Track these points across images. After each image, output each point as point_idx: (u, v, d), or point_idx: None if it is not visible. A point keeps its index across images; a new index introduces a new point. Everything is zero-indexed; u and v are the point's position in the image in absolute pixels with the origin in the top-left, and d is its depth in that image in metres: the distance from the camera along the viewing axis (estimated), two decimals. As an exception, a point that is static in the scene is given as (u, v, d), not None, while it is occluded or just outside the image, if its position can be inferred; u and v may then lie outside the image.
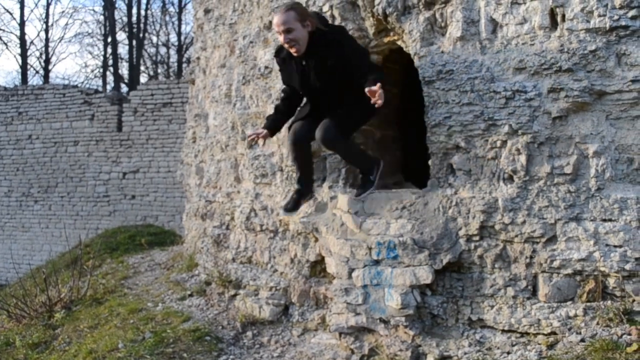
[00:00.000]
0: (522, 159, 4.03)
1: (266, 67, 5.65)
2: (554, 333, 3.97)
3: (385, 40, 4.94)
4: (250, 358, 4.95)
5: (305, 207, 5.21)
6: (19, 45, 29.28)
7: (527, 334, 4.07)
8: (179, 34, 30.94)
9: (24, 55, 28.91)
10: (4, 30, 33.16)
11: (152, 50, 32.02)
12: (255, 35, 5.88)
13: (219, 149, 6.64)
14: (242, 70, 6.06)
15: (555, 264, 3.97)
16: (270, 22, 5.64)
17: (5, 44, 35.19)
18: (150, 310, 6.13)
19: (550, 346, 3.90)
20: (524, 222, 4.04)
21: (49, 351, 5.80)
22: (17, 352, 5.91)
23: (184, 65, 28.64)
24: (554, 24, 3.97)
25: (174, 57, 32.09)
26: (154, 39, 31.96)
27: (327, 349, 4.83)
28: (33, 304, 6.95)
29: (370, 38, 5.02)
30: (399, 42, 4.84)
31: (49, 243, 14.54)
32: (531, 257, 4.06)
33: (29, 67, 29.55)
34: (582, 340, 3.78)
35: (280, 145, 5.45)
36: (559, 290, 4.01)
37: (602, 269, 3.85)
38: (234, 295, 5.90)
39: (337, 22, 5.04)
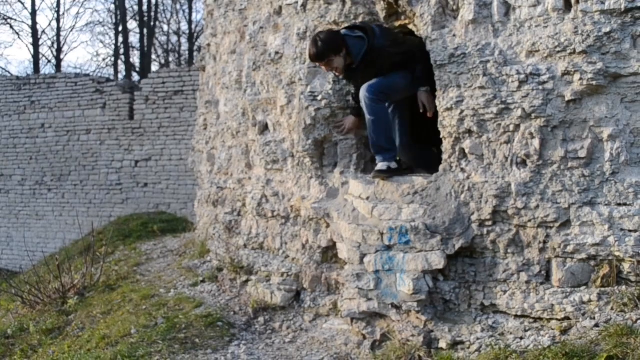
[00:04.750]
0: (536, 143, 3.99)
1: (277, 53, 5.62)
2: (567, 318, 3.94)
3: (396, 24, 4.90)
4: (262, 343, 4.96)
5: (317, 193, 5.20)
6: (30, 35, 29.28)
7: (541, 319, 4.04)
8: (189, 22, 30.87)
9: (35, 44, 28.94)
10: (15, 20, 33.23)
11: (163, 38, 32.03)
12: (266, 20, 5.85)
13: (230, 135, 6.63)
14: (253, 56, 6.03)
15: (569, 248, 3.94)
16: (280, 8, 5.62)
17: (17, 33, 35.18)
18: (162, 296, 6.15)
19: (564, 331, 3.87)
20: (537, 207, 4.00)
21: (62, 337, 5.84)
22: (31, 337, 5.96)
23: (195, 53, 28.59)
24: (567, 6, 3.90)
25: (185, 46, 32.06)
26: (165, 27, 31.95)
27: (339, 335, 4.83)
28: (47, 291, 7.00)
29: (381, 22, 4.97)
30: (410, 26, 4.79)
31: (63, 231, 14.62)
32: (545, 242, 4.03)
33: (41, 56, 29.58)
34: (596, 325, 3.75)
35: (291, 131, 5.43)
36: (572, 275, 3.98)
37: (616, 253, 3.82)
38: (246, 281, 5.91)
39: (347, 7, 5.00)
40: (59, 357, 5.19)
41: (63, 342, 5.63)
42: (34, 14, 28.96)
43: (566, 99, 3.90)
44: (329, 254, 5.22)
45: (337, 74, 4.95)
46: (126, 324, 5.40)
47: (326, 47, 4.69)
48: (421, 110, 4.84)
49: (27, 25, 30.03)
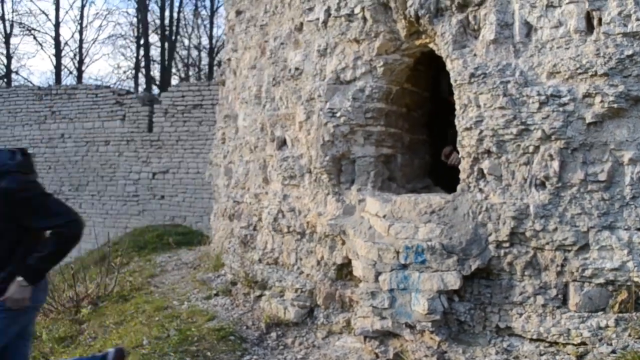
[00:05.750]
0: (555, 164, 3.96)
1: (296, 69, 5.65)
2: (584, 343, 3.88)
3: (417, 42, 4.90)
4: (274, 359, 4.93)
5: (333, 210, 5.19)
6: (53, 46, 29.74)
7: (556, 343, 3.98)
8: (210, 37, 31.15)
9: (58, 55, 29.35)
10: (39, 31, 33.61)
11: (184, 52, 32.29)
12: (286, 36, 5.88)
13: (248, 150, 6.65)
14: (273, 71, 6.06)
15: (587, 273, 3.89)
16: (301, 24, 5.65)
17: (41, 44, 35.80)
18: (175, 308, 6.15)
19: (580, 357, 3.82)
20: (555, 230, 3.96)
21: (74, 345, 5.85)
22: (44, 345, 5.98)
23: (215, 68, 28.78)
24: (589, 28, 3.89)
25: (205, 60, 32.29)
26: (186, 41, 32.20)
27: (352, 353, 4.79)
28: (61, 299, 7.03)
29: (402, 40, 4.98)
30: (430, 45, 4.79)
31: (79, 240, 14.71)
32: (562, 265, 3.98)
33: (62, 67, 29.99)
34: (613, 351, 3.69)
35: (309, 147, 5.43)
36: (590, 299, 3.93)
37: (635, 279, 3.76)
38: (260, 296, 5.89)
39: (368, 25, 5.02)
40: (71, 366, 5.19)
41: (75, 351, 5.64)
42: (57, 25, 29.44)
43: (587, 121, 3.87)
44: (344, 271, 5.20)
45: None
46: (138, 335, 5.40)
47: None
48: None
49: (50, 36, 30.48)
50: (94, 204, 14.75)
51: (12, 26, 29.64)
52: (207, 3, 34.52)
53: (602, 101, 3.80)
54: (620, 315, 3.83)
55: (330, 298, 5.22)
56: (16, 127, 15.81)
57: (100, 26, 47.79)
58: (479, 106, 4.25)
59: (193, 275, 7.54)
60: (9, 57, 29.48)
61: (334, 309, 5.19)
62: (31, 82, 30.23)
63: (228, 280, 6.62)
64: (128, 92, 15.48)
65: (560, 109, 3.92)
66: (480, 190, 4.30)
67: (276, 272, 5.77)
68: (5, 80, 28.92)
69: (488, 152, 4.24)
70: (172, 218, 13.74)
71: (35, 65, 52.17)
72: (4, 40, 29.38)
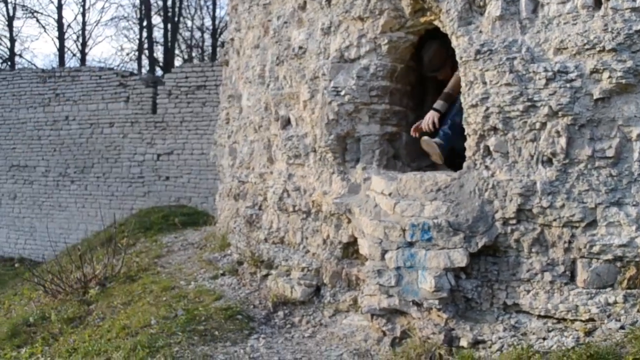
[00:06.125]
0: (562, 141, 3.93)
1: (300, 48, 5.61)
2: (592, 320, 3.88)
3: (422, 20, 4.86)
4: (281, 338, 4.96)
5: (339, 189, 5.18)
6: (56, 29, 29.61)
7: (564, 320, 3.99)
8: (213, 18, 30.93)
9: (61, 38, 29.23)
10: (42, 14, 33.61)
11: (187, 34, 32.15)
12: (290, 15, 5.83)
13: (252, 129, 6.63)
14: (276, 50, 6.02)
15: (595, 249, 3.88)
16: (305, 2, 5.60)
17: (44, 27, 35.81)
18: (182, 288, 6.17)
19: (588, 333, 3.82)
20: (562, 206, 3.95)
21: (83, 326, 5.89)
22: (53, 326, 6.02)
23: (218, 49, 28.63)
24: (597, 3, 3.84)
25: (208, 41, 32.13)
26: (189, 23, 32.07)
27: (359, 331, 4.81)
28: (68, 280, 7.06)
29: (407, 18, 4.94)
30: (435, 22, 4.75)
31: (85, 222, 14.73)
32: (570, 242, 3.97)
33: (66, 50, 29.86)
34: (622, 327, 3.69)
35: (313, 126, 5.41)
36: (598, 276, 3.92)
37: (643, 255, 3.75)
38: (266, 275, 5.91)
39: (372, 2, 4.97)
40: (79, 345, 5.22)
41: (84, 331, 5.67)
42: (60, 7, 29.28)
43: (594, 97, 3.84)
44: (350, 249, 5.20)
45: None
46: (146, 315, 5.42)
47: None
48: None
49: (53, 19, 30.51)
50: (99, 186, 14.76)
51: (14, 9, 29.53)
52: (210, -16, 34.21)
53: (610, 77, 3.77)
54: (628, 291, 3.82)
55: (336, 276, 5.24)
56: (20, 110, 15.78)
57: (103, 8, 47.46)
58: (484, 83, 4.22)
59: (199, 256, 7.56)
60: (12, 39, 29.41)
61: (340, 288, 5.21)
62: (35, 65, 30.16)
63: (234, 260, 6.64)
64: (132, 74, 15.41)
65: (568, 85, 3.88)
66: (487, 167, 4.28)
67: (282, 251, 5.78)
68: (9, 63, 28.88)
69: (494, 129, 4.21)
70: (177, 199, 13.75)
71: (38, 48, 52.05)
72: (7, 23, 29.26)
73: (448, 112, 5.09)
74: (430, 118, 5.05)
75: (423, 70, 5.48)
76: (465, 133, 4.43)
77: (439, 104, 5.10)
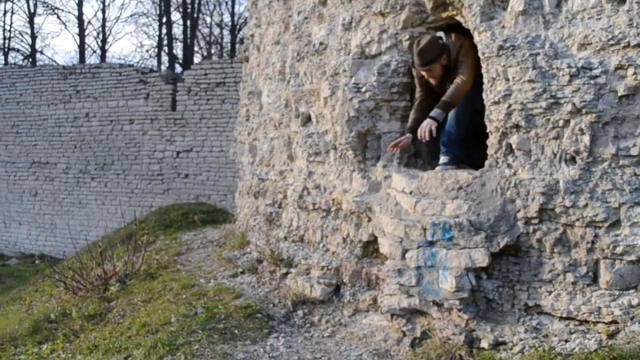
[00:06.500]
0: (586, 139, 3.86)
1: (321, 44, 5.58)
2: (615, 322, 3.81)
3: (444, 15, 4.81)
4: (300, 337, 4.94)
5: (359, 187, 5.15)
6: (77, 25, 29.83)
7: (587, 322, 3.92)
8: (232, 14, 30.99)
9: (81, 34, 29.46)
10: (62, 10, 33.84)
11: (206, 30, 32.21)
12: (310, 11, 5.80)
13: (273, 126, 6.61)
14: (297, 46, 6.00)
15: (619, 250, 3.81)
16: (326, -1, 5.57)
17: (64, 23, 36.07)
18: (202, 286, 6.18)
19: (611, 335, 3.76)
20: (586, 206, 3.88)
21: (103, 323, 5.91)
22: (73, 322, 6.06)
23: (237, 45, 28.63)
24: (623, -2, 3.77)
25: (227, 38, 32.19)
26: (208, 19, 32.12)
27: (378, 330, 4.78)
28: (89, 277, 7.10)
29: (428, 13, 4.89)
30: (457, 17, 4.70)
31: (105, 219, 14.82)
32: (593, 242, 3.91)
33: (86, 46, 30.10)
34: (646, 329, 3.62)
35: (334, 123, 5.38)
36: (621, 277, 3.85)
37: (669, 255, 3.68)
38: (286, 274, 5.89)
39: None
40: (100, 342, 5.24)
41: (104, 328, 5.70)
42: (80, 4, 29.55)
43: (619, 94, 3.77)
44: (370, 248, 5.17)
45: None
46: (166, 313, 5.44)
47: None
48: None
49: (74, 15, 30.66)
50: (119, 183, 14.84)
51: (35, 5, 29.80)
52: (229, -20, 34.28)
53: (634, 73, 3.70)
54: (653, 292, 3.75)
55: (356, 276, 5.20)
56: (42, 107, 15.91)
57: (123, 4, 47.63)
58: (507, 79, 4.16)
59: (219, 253, 7.56)
60: (33, 36, 29.69)
61: (360, 287, 5.17)
62: (55, 62, 30.46)
63: (254, 258, 6.63)
64: (151, 71, 15.44)
65: (592, 81, 3.82)
66: (509, 165, 4.22)
67: (302, 249, 5.76)
68: (30, 59, 29.17)
69: (517, 126, 4.15)
70: (197, 197, 13.78)
71: (59, 45, 52.30)
72: (28, 19, 29.56)
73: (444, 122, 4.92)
74: (427, 126, 4.75)
75: (413, 66, 5.01)
76: (487, 130, 4.38)
77: (436, 112, 4.79)
